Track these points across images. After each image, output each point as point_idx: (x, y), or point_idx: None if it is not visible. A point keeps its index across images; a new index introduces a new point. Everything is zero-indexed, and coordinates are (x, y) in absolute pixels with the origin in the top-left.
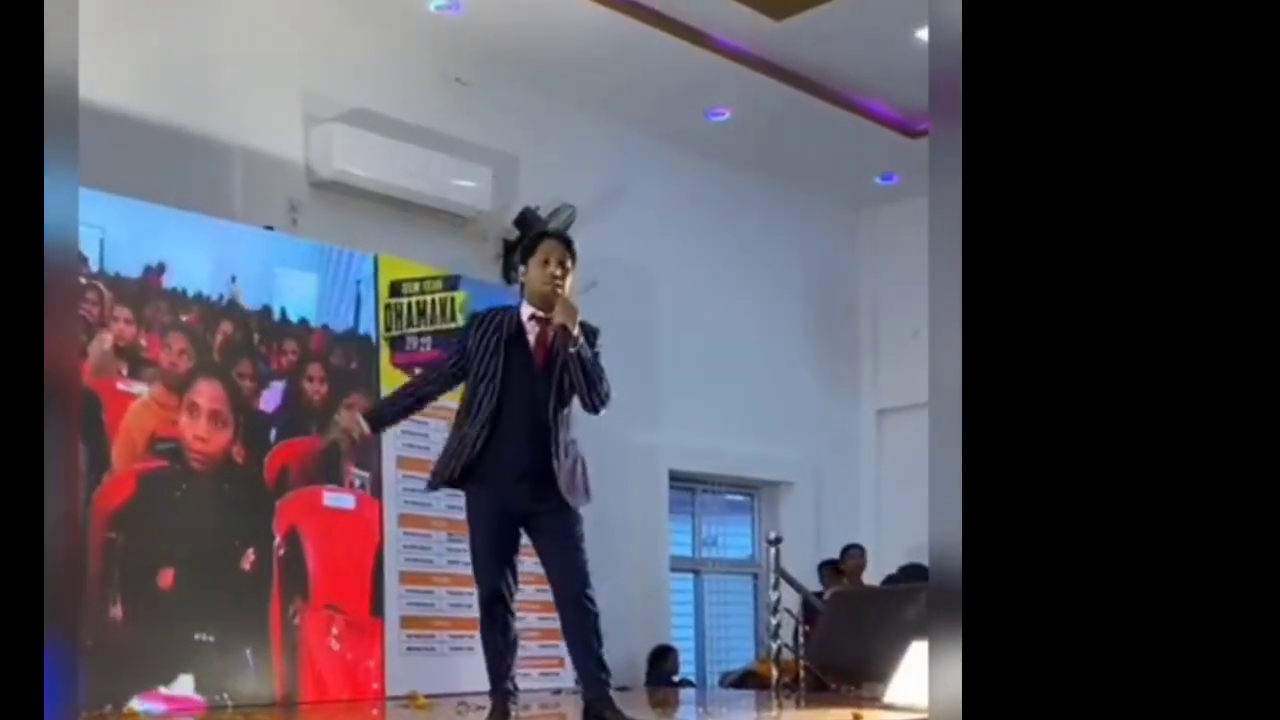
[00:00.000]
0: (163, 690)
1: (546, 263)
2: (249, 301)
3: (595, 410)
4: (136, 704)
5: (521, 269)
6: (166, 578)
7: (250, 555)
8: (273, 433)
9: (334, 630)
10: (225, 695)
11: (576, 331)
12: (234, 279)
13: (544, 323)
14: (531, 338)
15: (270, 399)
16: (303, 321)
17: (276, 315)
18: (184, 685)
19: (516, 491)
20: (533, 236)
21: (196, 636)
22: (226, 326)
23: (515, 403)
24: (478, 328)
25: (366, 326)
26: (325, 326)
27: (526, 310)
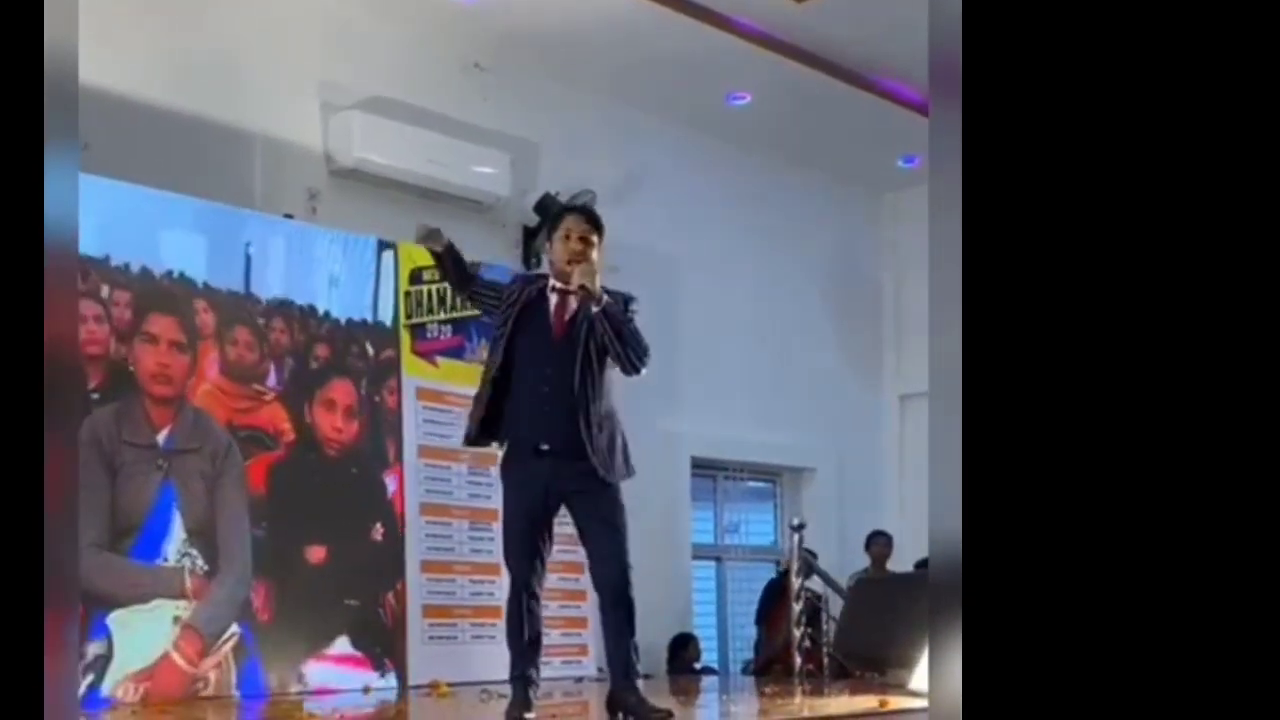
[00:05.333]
0: (328, 652)
1: (568, 237)
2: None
3: (635, 369)
4: (311, 667)
5: (546, 247)
6: (318, 554)
7: (379, 528)
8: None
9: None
10: (378, 649)
11: (598, 288)
12: None
13: (564, 294)
14: (551, 308)
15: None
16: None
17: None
18: (343, 646)
19: (540, 468)
20: (555, 213)
21: (346, 602)
22: (241, 314)
23: (526, 371)
24: (509, 286)
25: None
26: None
27: (550, 285)
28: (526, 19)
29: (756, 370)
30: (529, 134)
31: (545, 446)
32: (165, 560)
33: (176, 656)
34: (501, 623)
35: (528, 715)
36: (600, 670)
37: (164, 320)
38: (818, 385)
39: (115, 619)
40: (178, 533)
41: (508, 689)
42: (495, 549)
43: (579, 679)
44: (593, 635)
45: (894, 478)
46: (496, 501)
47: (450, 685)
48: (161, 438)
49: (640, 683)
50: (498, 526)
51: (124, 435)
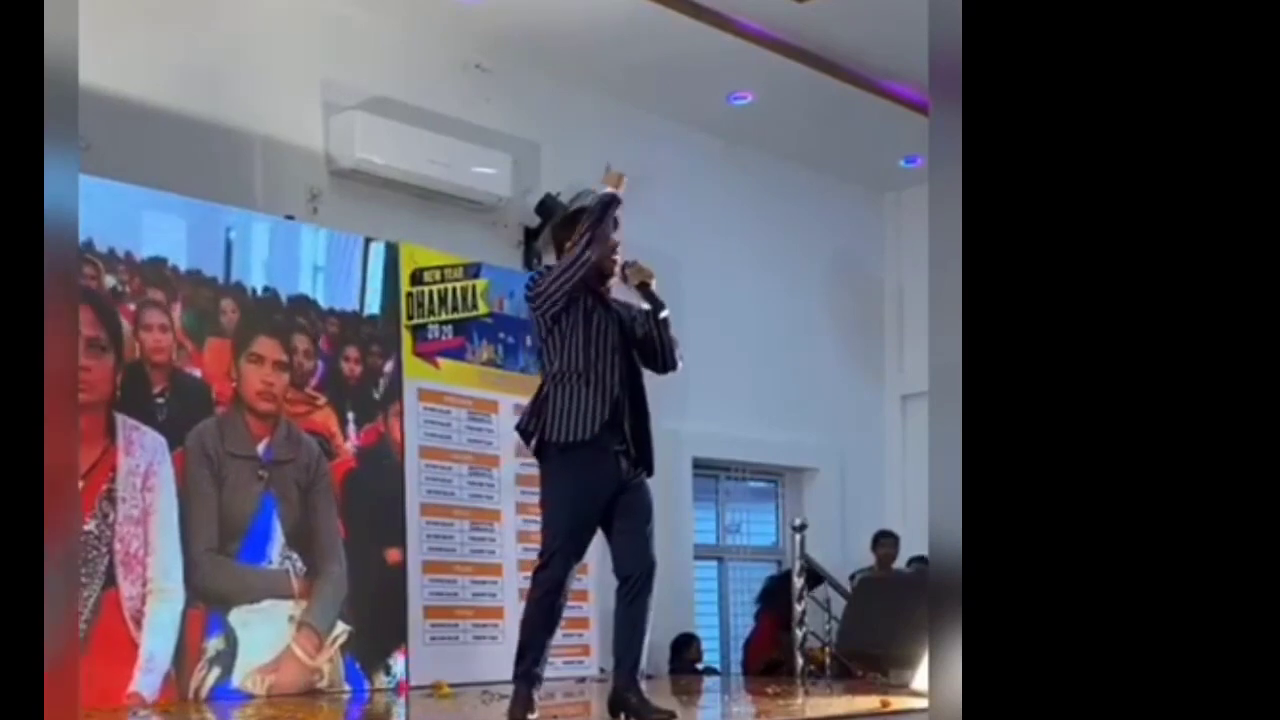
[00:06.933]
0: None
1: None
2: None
3: (674, 367)
4: (396, 661)
5: (569, 247)
6: (394, 555)
7: None
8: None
9: None
10: None
11: (654, 286)
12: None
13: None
14: (605, 307)
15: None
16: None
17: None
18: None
19: (614, 465)
20: (571, 215)
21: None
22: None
23: (596, 368)
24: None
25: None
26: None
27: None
28: (527, 19)
29: (758, 370)
30: (530, 134)
31: (620, 444)
32: (270, 563)
33: (298, 651)
34: (503, 623)
35: (530, 715)
36: (602, 671)
37: (269, 342)
38: (820, 385)
39: (235, 618)
40: (278, 538)
41: (509, 689)
42: (497, 550)
43: (581, 679)
44: (594, 635)
45: (896, 477)
46: (498, 502)
47: (452, 686)
48: (261, 449)
49: (642, 683)
50: (499, 527)
51: (227, 447)
